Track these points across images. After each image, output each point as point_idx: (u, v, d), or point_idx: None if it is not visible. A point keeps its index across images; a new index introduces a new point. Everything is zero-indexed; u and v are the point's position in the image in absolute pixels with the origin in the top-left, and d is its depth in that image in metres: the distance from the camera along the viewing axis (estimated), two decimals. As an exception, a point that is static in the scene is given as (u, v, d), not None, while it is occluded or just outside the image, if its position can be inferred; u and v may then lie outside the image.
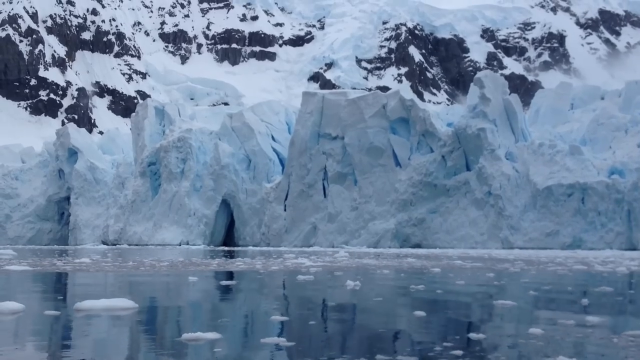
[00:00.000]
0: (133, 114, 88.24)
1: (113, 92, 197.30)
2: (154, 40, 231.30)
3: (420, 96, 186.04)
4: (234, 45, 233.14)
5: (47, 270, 21.60)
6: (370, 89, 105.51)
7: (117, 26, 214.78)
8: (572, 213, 58.57)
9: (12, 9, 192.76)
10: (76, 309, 9.99)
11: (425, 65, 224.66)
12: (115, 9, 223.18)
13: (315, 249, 61.71)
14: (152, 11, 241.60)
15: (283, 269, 22.46)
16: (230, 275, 19.74)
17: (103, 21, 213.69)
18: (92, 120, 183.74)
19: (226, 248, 66.93)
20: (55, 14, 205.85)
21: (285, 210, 71.07)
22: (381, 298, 12.91)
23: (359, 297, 13.08)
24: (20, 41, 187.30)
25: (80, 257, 32.25)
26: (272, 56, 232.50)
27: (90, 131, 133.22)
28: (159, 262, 27.15)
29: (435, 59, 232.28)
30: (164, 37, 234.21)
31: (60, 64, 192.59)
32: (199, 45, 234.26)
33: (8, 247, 62.13)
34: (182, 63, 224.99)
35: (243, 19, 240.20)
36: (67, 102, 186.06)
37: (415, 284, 15.72)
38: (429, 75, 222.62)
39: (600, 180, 57.62)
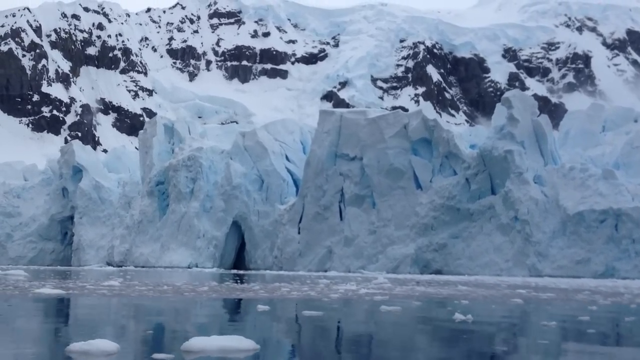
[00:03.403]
0: (141, 131, 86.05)
1: (118, 109, 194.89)
2: (161, 57, 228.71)
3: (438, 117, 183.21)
4: (244, 63, 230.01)
5: (85, 294, 20.74)
6: (385, 109, 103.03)
7: (123, 41, 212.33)
8: (604, 240, 56.16)
9: (15, 23, 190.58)
10: (185, 349, 8.41)
11: (444, 85, 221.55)
12: (122, 23, 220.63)
13: (334, 273, 59.03)
14: (160, 26, 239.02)
15: (349, 297, 21.58)
16: (301, 304, 18.69)
17: (109, 36, 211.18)
18: (96, 138, 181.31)
19: (238, 271, 64.24)
20: (59, 28, 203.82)
21: (299, 233, 68.49)
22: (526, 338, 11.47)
23: (503, 337, 11.74)
24: (23, 56, 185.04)
25: (103, 280, 31.27)
26: (284, 74, 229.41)
27: (94, 149, 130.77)
28: (193, 286, 26.78)
29: (454, 79, 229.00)
30: (171, 53, 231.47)
31: (64, 79, 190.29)
32: (208, 62, 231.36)
33: (11, 267, 60.02)
34: (190, 80, 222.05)
35: (254, 35, 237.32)
36: (70, 119, 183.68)
37: (546, 318, 14.47)
38: (447, 95, 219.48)
39: (635, 207, 55.28)
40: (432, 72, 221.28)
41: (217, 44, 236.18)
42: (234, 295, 21.81)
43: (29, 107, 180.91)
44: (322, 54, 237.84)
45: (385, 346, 9.98)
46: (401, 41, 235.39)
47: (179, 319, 14.32)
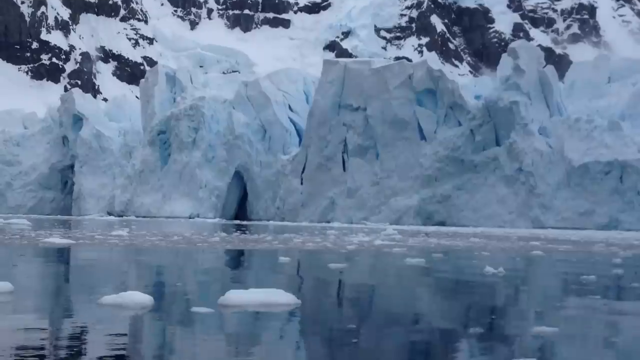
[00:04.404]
0: (142, 80, 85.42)
1: (118, 58, 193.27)
2: (162, 4, 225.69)
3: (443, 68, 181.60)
4: (246, 11, 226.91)
5: (95, 244, 20.53)
6: (389, 60, 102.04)
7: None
8: (609, 192, 56.06)
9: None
10: (222, 303, 7.84)
11: (448, 35, 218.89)
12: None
13: (337, 224, 58.86)
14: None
15: (365, 249, 21.42)
16: (320, 255, 18.47)
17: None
18: (96, 87, 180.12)
19: (241, 222, 64.05)
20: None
21: (301, 183, 68.22)
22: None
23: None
24: (22, 2, 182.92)
25: (109, 230, 30.89)
26: (286, 23, 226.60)
27: (94, 97, 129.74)
28: (203, 237, 26.49)
29: (459, 29, 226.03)
30: (172, 1, 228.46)
31: (64, 27, 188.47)
32: (210, 11, 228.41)
33: (11, 215, 59.76)
34: (192, 29, 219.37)
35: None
36: (70, 67, 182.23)
37: (581, 272, 13.80)
38: (451, 46, 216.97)
39: (640, 158, 55.08)
40: (436, 22, 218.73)
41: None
42: (248, 246, 21.52)
43: (28, 54, 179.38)
44: (325, 3, 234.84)
45: (431, 301, 9.66)
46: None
47: (205, 271, 13.98)
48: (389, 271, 14.82)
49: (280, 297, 8.07)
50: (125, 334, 6.45)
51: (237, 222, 66.17)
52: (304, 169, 68.11)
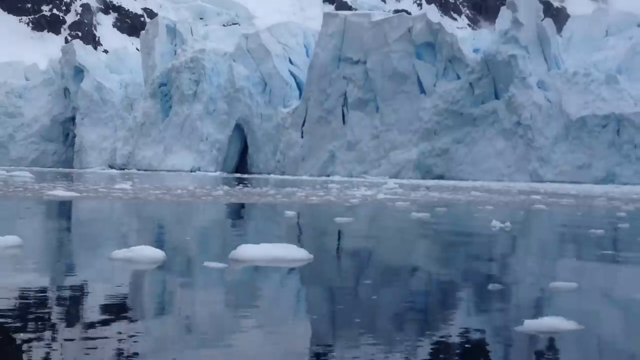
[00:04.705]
0: (142, 32, 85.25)
1: (118, 9, 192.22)
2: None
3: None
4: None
5: (100, 197, 20.36)
6: (388, 12, 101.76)
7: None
8: (606, 145, 56.50)
9: None
10: (233, 258, 7.50)
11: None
12: None
13: (338, 178, 59.36)
14: None
15: (369, 203, 21.45)
16: (325, 209, 18.24)
17: None
18: (97, 38, 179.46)
19: (242, 175, 64.51)
20: None
21: (302, 137, 68.57)
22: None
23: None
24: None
25: (112, 183, 30.90)
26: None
27: (94, 49, 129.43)
28: (206, 190, 26.67)
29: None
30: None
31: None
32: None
33: (14, 168, 59.85)
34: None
35: None
36: (70, 18, 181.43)
37: (587, 226, 13.86)
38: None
39: (637, 112, 55.53)
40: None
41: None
42: (252, 200, 21.66)
43: (29, 5, 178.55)
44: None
45: (443, 257, 9.34)
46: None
47: (212, 224, 13.92)
48: (396, 225, 14.68)
49: (292, 252, 7.85)
50: (138, 290, 6.30)
51: (238, 175, 66.63)
52: (304, 122, 68.42)
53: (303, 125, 68.35)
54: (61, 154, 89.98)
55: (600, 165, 56.41)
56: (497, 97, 60.68)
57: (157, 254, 7.41)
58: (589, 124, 56.43)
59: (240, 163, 75.82)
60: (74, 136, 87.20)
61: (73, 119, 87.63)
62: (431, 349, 4.24)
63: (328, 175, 64.40)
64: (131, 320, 4.80)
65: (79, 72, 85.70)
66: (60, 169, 76.47)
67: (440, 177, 61.79)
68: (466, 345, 4.38)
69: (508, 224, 13.15)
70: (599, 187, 49.35)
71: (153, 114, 76.82)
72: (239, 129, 73.38)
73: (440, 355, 4.13)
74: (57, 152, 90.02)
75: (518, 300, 6.17)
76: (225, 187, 30.65)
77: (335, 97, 66.40)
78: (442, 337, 4.56)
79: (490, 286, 6.31)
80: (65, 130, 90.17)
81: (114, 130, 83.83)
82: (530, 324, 4.63)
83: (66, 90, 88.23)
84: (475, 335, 4.64)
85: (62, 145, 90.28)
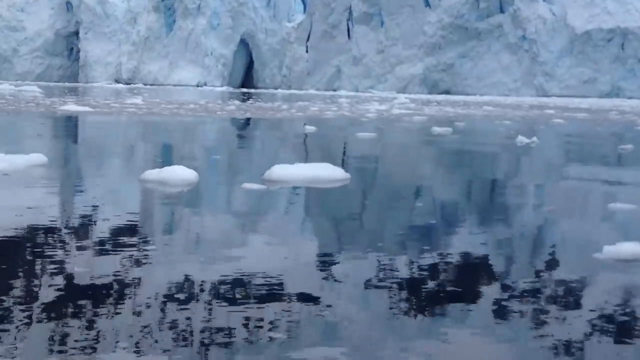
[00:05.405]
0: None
1: None
2: None
3: None
4: None
5: (114, 112, 19.99)
6: None
7: None
8: (611, 59, 56.75)
9: None
10: (268, 178, 7.05)
11: None
12: None
13: (344, 92, 59.60)
14: None
15: (386, 117, 21.39)
16: (344, 124, 18.15)
17: None
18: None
19: (249, 90, 64.77)
20: None
21: (307, 51, 68.51)
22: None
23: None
24: None
25: (123, 98, 30.57)
26: None
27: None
28: (219, 105, 26.28)
29: None
30: None
31: None
32: None
33: (20, 82, 59.23)
34: None
35: None
36: None
37: (614, 142, 13.86)
38: None
39: (643, 26, 55.49)
40: None
41: None
42: (267, 115, 21.47)
43: None
44: None
45: (482, 176, 8.91)
46: None
47: (236, 141, 13.46)
48: (422, 140, 14.32)
49: (329, 172, 7.40)
50: (174, 214, 5.57)
51: (245, 90, 66.84)
52: (309, 36, 68.32)
53: (308, 40, 68.26)
54: (66, 68, 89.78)
55: (605, 79, 56.76)
56: (502, 10, 60.57)
57: (190, 174, 6.90)
58: (594, 38, 56.56)
59: (246, 78, 75.91)
60: (79, 51, 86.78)
61: (77, 33, 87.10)
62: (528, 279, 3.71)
63: (334, 90, 64.67)
64: (182, 248, 4.30)
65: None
66: (67, 84, 76.56)
67: (446, 92, 62.11)
68: (549, 273, 3.90)
69: (535, 139, 13.02)
70: (605, 101, 49.78)
71: (157, 28, 76.49)
72: (244, 43, 73.30)
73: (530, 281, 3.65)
74: (62, 66, 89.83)
75: (583, 224, 5.71)
76: (236, 102, 30.46)
77: (340, 12, 66.14)
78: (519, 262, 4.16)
79: (548, 208, 6.10)
80: (69, 45, 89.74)
81: (118, 44, 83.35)
82: (610, 250, 4.15)
83: (69, 4, 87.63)
84: (553, 261, 4.24)
85: (66, 60, 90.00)
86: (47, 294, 3.19)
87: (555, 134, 17.22)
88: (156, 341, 2.65)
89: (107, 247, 4.22)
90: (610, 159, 11.33)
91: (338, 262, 4.00)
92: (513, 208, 6.31)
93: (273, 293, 3.31)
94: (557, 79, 57.70)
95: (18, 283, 3.35)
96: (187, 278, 3.53)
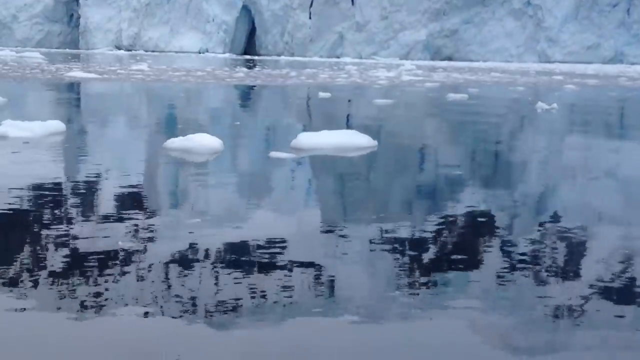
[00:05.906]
0: None
1: None
2: None
3: None
4: None
5: (121, 78, 19.89)
6: None
7: None
8: (615, 25, 56.34)
9: None
10: (295, 147, 7.02)
11: None
12: None
13: (348, 59, 59.35)
14: None
15: (397, 84, 21.38)
16: (357, 90, 18.16)
17: None
18: None
19: (252, 57, 64.38)
20: None
21: (310, 18, 68.05)
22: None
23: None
24: None
25: (127, 65, 30.76)
26: None
27: None
28: (227, 72, 26.15)
29: None
30: None
31: None
32: None
33: (20, 48, 58.86)
34: None
35: None
36: None
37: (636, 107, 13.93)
38: None
39: (649, -8, 54.93)
40: None
41: None
42: (277, 82, 21.36)
43: None
44: None
45: (514, 144, 8.87)
46: None
47: (254, 108, 13.41)
48: (440, 107, 14.22)
49: (356, 139, 7.35)
50: (203, 182, 5.51)
51: (248, 57, 66.49)
52: (311, 2, 67.84)
53: (311, 6, 67.80)
54: (66, 35, 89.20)
55: (609, 45, 56.41)
56: (507, -24, 60.05)
57: (215, 142, 6.82)
58: (600, 3, 56.16)
59: (248, 45, 75.42)
60: (79, 17, 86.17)
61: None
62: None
63: (337, 57, 64.34)
64: (222, 219, 4.28)
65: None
66: (68, 50, 76.20)
67: (449, 58, 61.82)
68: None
69: (555, 105, 13.04)
70: (610, 67, 49.50)
71: (158, -6, 75.93)
72: (246, 9, 72.74)
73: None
74: (63, 33, 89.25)
75: (625, 188, 5.78)
76: (244, 69, 30.53)
77: (343, -23, 65.66)
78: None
79: (587, 175, 6.13)
80: (69, 11, 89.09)
81: (118, 10, 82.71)
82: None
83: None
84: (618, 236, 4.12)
85: (66, 26, 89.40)
86: (103, 246, 3.55)
87: (571, 100, 17.07)
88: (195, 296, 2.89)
89: (143, 214, 4.34)
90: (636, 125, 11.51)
91: (388, 229, 4.08)
92: (552, 177, 6.38)
93: (328, 256, 3.51)
94: (560, 45, 57.32)
95: (83, 244, 3.64)
96: (229, 244, 3.69)
